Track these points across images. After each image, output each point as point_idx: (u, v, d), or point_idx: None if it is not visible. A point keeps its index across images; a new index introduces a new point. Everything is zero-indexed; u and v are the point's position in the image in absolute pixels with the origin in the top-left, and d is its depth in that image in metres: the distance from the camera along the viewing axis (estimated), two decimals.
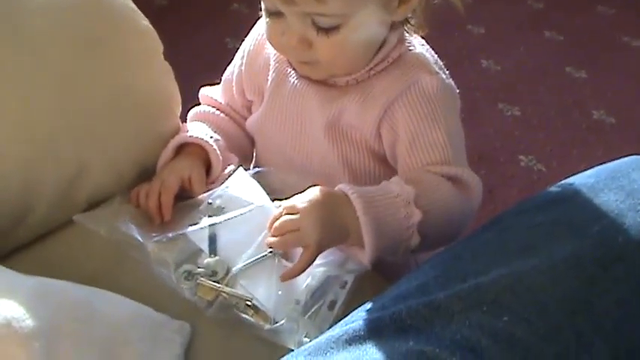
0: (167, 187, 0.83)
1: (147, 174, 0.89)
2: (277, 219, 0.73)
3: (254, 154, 0.97)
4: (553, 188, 0.68)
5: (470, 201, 0.80)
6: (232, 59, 0.94)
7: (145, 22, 0.92)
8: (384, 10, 0.75)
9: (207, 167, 0.88)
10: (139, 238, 0.78)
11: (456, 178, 0.78)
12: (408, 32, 0.83)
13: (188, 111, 0.97)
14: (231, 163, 0.89)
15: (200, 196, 0.84)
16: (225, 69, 0.96)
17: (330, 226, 0.71)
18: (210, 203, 0.82)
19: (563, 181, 0.68)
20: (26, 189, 0.80)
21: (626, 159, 0.71)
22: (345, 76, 0.81)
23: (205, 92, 0.98)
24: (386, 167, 0.85)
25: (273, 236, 0.73)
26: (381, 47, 0.80)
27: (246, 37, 0.92)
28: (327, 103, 0.82)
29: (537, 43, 2.42)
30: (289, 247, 0.73)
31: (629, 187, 0.64)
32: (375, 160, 0.85)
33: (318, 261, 0.73)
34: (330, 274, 0.75)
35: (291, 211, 0.72)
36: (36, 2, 0.84)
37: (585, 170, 0.71)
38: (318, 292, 0.74)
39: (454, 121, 0.82)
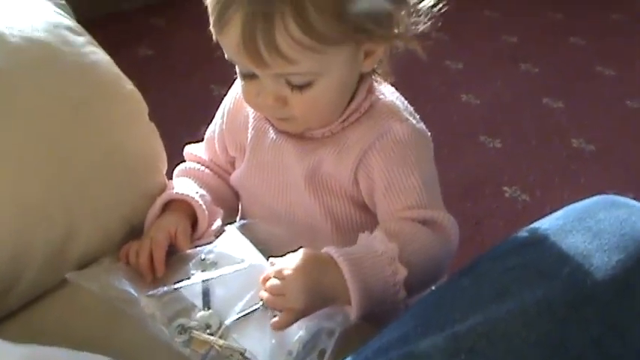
0: (157, 243, 0.85)
1: (135, 232, 0.91)
2: (268, 278, 0.75)
3: (240, 207, 1.00)
4: (524, 231, 0.70)
5: (448, 242, 0.82)
6: (218, 106, 0.97)
7: (130, 85, 0.95)
8: (353, 64, 0.79)
9: (194, 222, 0.90)
10: (133, 293, 0.79)
11: (432, 221, 0.81)
12: (376, 81, 0.86)
13: (175, 161, 1.00)
14: (218, 217, 0.92)
15: (192, 251, 0.86)
16: (211, 115, 0.98)
17: (316, 293, 0.73)
18: (204, 259, 0.84)
19: (533, 224, 0.71)
20: (16, 256, 0.81)
21: (593, 199, 0.73)
22: (320, 129, 0.84)
23: (190, 150, 1.01)
24: (367, 213, 0.88)
25: (264, 292, 0.75)
26: (352, 99, 0.83)
27: (231, 84, 0.95)
28: (305, 155, 0.85)
29: (514, 75, 2.48)
30: (276, 308, 0.75)
31: (596, 228, 0.67)
32: (356, 207, 0.87)
33: None
34: (321, 326, 0.76)
35: (279, 276, 0.74)
36: (22, 70, 0.86)
37: (569, 197, 0.73)
38: (309, 344, 0.75)
39: (427, 165, 0.85)
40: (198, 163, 0.99)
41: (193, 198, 0.89)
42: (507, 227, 1.75)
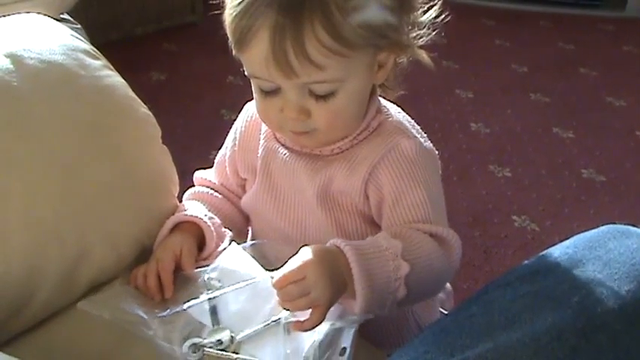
0: (163, 265, 0.86)
1: (146, 253, 0.91)
2: (284, 283, 0.73)
3: (250, 231, 1.01)
4: (534, 260, 0.71)
5: (450, 257, 0.82)
6: (228, 130, 0.98)
7: (144, 109, 0.97)
8: (369, 73, 0.81)
9: (202, 243, 0.91)
10: (144, 316, 0.80)
11: (437, 235, 0.82)
12: (384, 97, 0.89)
13: (186, 184, 1.01)
14: (226, 238, 0.92)
15: (197, 271, 0.86)
16: (221, 139, 0.99)
17: (335, 282, 0.73)
18: (209, 278, 0.85)
19: (543, 252, 0.71)
20: (29, 275, 0.81)
21: (602, 228, 0.73)
22: (330, 146, 0.86)
23: (199, 175, 1.02)
24: (377, 229, 0.88)
25: (284, 301, 0.74)
26: (363, 117, 0.85)
27: (241, 108, 0.96)
28: (315, 173, 0.87)
29: (524, 105, 2.49)
30: (303, 309, 0.74)
31: (606, 257, 0.67)
32: (367, 223, 0.88)
33: None
34: (334, 326, 0.77)
35: (297, 277, 0.72)
36: (39, 92, 0.88)
37: (579, 228, 0.74)
38: (324, 344, 0.76)
39: (434, 182, 0.86)
40: (208, 187, 1.00)
41: (201, 219, 0.90)
42: (516, 256, 1.75)
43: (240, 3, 0.74)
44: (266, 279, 0.82)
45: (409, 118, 0.90)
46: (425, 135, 0.89)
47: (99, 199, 0.89)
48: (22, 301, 0.82)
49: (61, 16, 1.43)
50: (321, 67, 0.74)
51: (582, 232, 0.74)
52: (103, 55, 1.00)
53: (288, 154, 0.89)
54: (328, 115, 0.80)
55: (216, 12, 0.79)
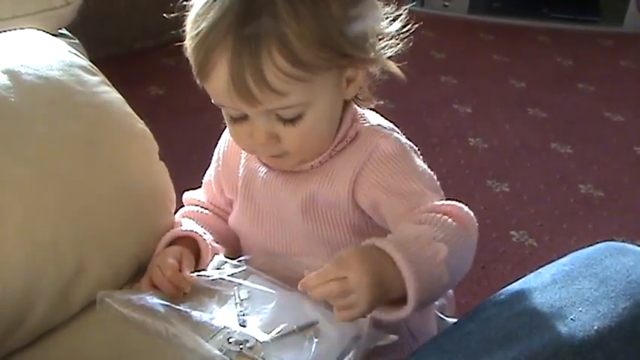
0: (167, 266, 0.86)
1: (143, 269, 0.92)
2: (321, 280, 0.69)
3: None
4: (531, 277, 0.71)
5: (469, 231, 0.78)
6: None
7: (141, 124, 0.97)
8: (337, 91, 0.80)
9: (197, 258, 0.91)
10: (181, 308, 0.81)
11: (447, 212, 0.77)
12: (360, 107, 0.88)
13: (182, 193, 1.02)
14: (220, 253, 0.93)
15: (226, 293, 0.86)
16: None
17: (380, 290, 0.68)
18: (235, 292, 0.86)
19: (539, 270, 0.71)
20: (26, 291, 0.81)
21: (599, 245, 0.73)
22: (308, 162, 0.85)
23: (188, 195, 1.03)
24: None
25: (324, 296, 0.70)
26: (338, 129, 0.84)
27: None
28: (297, 188, 0.86)
29: (522, 120, 2.49)
30: (350, 320, 0.70)
31: (603, 275, 0.67)
32: (356, 234, 0.87)
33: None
34: (350, 335, 0.77)
35: (339, 274, 0.68)
36: (36, 108, 0.88)
37: (577, 243, 0.73)
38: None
39: (423, 170, 0.85)
40: (197, 205, 1.00)
41: (198, 233, 0.91)
42: (514, 272, 1.74)
43: (197, 34, 0.74)
44: (292, 291, 0.81)
45: (387, 122, 0.89)
46: (402, 134, 0.88)
47: (96, 215, 0.89)
48: (19, 317, 0.82)
49: (60, 31, 1.44)
50: (283, 93, 0.73)
51: (580, 247, 0.74)
52: (102, 69, 1.00)
53: (267, 172, 0.89)
54: (298, 138, 0.79)
55: None
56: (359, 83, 0.83)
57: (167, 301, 0.83)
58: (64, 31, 1.47)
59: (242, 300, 0.84)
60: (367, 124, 0.87)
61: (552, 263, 0.72)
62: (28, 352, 0.84)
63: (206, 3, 0.75)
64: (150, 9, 2.68)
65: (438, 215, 0.76)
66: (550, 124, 2.46)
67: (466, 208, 0.79)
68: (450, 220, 0.76)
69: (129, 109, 0.97)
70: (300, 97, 0.75)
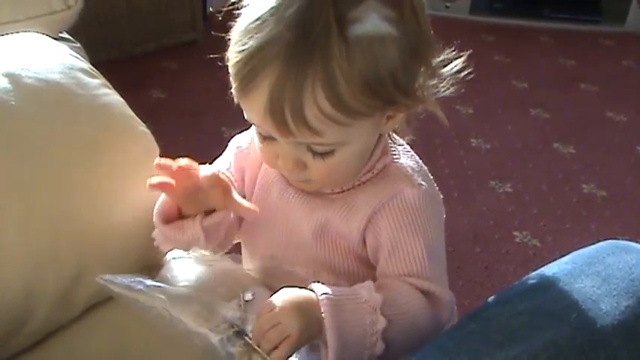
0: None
1: (144, 272, 0.89)
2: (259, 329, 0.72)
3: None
4: (533, 276, 0.70)
5: (439, 316, 0.79)
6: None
7: (142, 127, 0.97)
8: (375, 130, 0.77)
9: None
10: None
11: (428, 292, 0.78)
12: (392, 140, 0.85)
13: None
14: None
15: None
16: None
17: (307, 322, 0.70)
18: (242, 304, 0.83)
19: (541, 269, 0.71)
20: (27, 295, 0.81)
21: (601, 244, 0.73)
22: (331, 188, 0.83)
23: None
24: (371, 270, 0.85)
25: (256, 337, 0.72)
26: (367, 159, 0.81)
27: (243, 128, 0.91)
28: (313, 212, 0.83)
29: (524, 121, 2.49)
30: (273, 340, 0.71)
31: (605, 273, 0.66)
32: (362, 264, 0.85)
33: None
34: None
35: (273, 322, 0.70)
36: (37, 112, 0.88)
37: (580, 243, 0.73)
38: None
39: (436, 233, 0.82)
40: None
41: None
42: (517, 272, 1.74)
43: (244, 50, 0.69)
44: None
45: (417, 159, 0.86)
46: (431, 178, 0.85)
47: (96, 219, 0.88)
48: (19, 321, 0.82)
49: (61, 34, 1.44)
50: (319, 132, 0.70)
51: (583, 247, 0.74)
52: (103, 73, 1.00)
53: (286, 187, 0.86)
54: (325, 171, 0.76)
55: (217, 33, 0.75)
56: (399, 119, 0.79)
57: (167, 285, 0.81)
58: (64, 34, 1.47)
59: (246, 302, 0.83)
60: (397, 163, 0.83)
61: (554, 262, 0.71)
62: (29, 355, 0.84)
63: (258, 19, 0.69)
64: (151, 12, 2.68)
65: (414, 290, 0.78)
66: (552, 125, 2.46)
67: (450, 295, 0.81)
68: (422, 299, 0.77)
69: (130, 112, 0.96)
70: (336, 138, 0.72)
